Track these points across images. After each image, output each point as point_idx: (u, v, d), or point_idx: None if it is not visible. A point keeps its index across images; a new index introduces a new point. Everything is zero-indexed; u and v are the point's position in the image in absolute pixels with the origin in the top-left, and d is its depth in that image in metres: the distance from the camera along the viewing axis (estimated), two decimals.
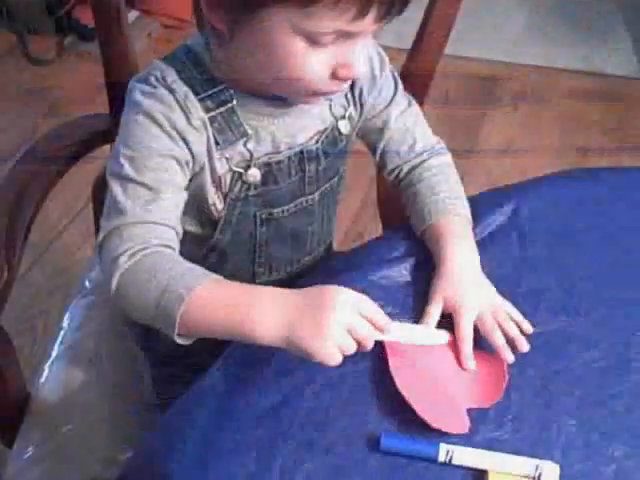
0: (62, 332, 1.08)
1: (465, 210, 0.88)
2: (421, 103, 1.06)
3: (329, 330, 0.66)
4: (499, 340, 0.77)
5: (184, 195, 0.77)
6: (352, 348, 0.68)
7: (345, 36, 0.70)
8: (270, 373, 0.74)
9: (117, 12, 0.98)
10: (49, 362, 1.05)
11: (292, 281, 0.90)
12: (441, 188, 0.89)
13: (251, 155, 0.80)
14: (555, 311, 0.83)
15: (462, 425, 0.71)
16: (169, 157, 0.74)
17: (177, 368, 0.95)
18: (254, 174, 0.81)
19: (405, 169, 0.93)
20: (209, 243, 0.85)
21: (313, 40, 0.69)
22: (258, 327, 0.67)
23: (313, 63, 0.71)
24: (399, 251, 0.87)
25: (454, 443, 0.69)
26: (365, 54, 0.74)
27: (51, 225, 1.86)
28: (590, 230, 0.92)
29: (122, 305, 0.72)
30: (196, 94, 0.76)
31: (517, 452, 0.70)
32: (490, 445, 0.70)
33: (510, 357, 0.77)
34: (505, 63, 2.55)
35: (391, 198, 1.11)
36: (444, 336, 0.78)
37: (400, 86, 0.92)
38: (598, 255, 0.90)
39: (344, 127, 0.87)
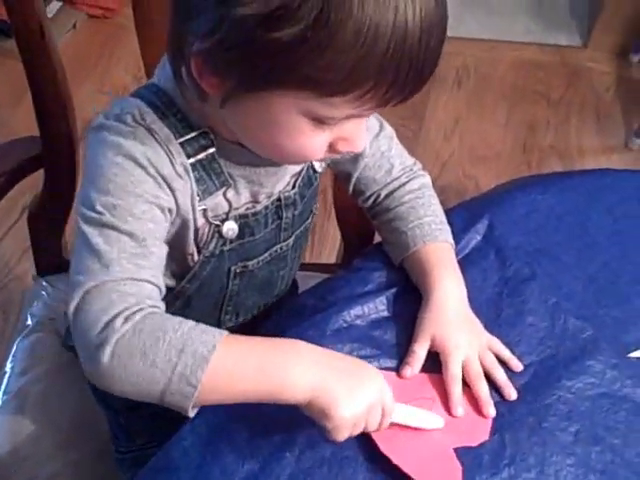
0: (5, 378, 1.00)
1: (449, 236, 0.82)
2: None
3: (362, 403, 0.63)
4: (483, 392, 0.73)
5: (166, 248, 0.68)
6: (357, 431, 0.64)
7: (354, 116, 0.63)
8: (245, 435, 0.68)
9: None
10: None
11: (257, 323, 0.83)
12: (425, 212, 0.82)
13: (230, 206, 0.73)
14: (541, 336, 0.79)
15: (455, 474, 0.67)
16: (155, 205, 0.65)
17: (136, 417, 0.88)
18: (231, 227, 0.73)
19: (383, 194, 0.86)
20: (174, 290, 0.77)
21: (320, 122, 0.62)
22: (294, 378, 0.61)
23: (316, 141, 0.64)
24: (373, 283, 0.81)
25: None
26: (365, 128, 0.67)
27: None
28: (567, 242, 0.88)
29: (116, 378, 0.59)
30: (176, 137, 0.67)
31: None
32: None
33: (492, 412, 0.72)
34: (447, 38, 2.49)
35: (348, 206, 1.05)
36: (440, 421, 0.70)
37: None
38: (578, 270, 0.85)
39: (319, 165, 0.80)
